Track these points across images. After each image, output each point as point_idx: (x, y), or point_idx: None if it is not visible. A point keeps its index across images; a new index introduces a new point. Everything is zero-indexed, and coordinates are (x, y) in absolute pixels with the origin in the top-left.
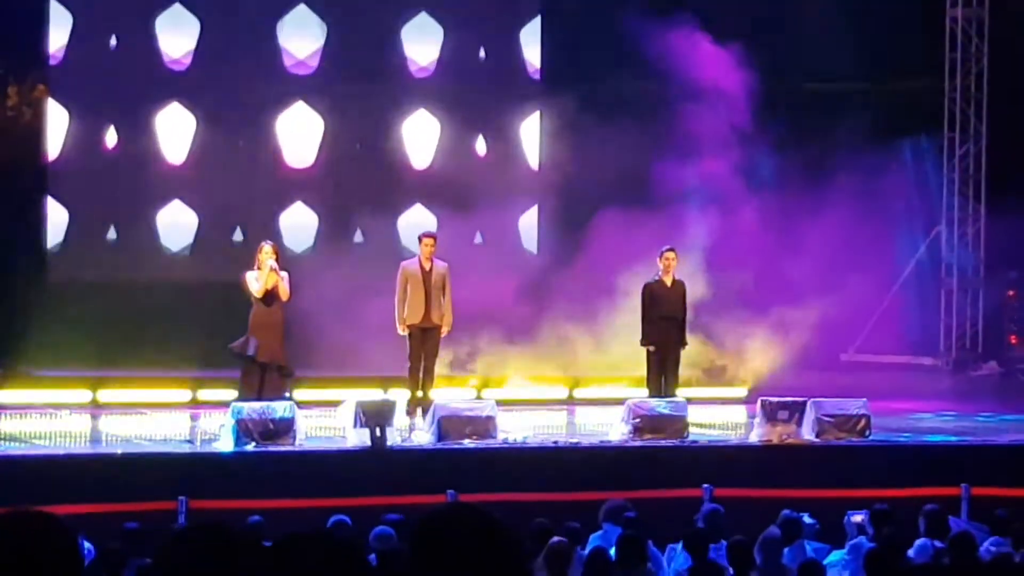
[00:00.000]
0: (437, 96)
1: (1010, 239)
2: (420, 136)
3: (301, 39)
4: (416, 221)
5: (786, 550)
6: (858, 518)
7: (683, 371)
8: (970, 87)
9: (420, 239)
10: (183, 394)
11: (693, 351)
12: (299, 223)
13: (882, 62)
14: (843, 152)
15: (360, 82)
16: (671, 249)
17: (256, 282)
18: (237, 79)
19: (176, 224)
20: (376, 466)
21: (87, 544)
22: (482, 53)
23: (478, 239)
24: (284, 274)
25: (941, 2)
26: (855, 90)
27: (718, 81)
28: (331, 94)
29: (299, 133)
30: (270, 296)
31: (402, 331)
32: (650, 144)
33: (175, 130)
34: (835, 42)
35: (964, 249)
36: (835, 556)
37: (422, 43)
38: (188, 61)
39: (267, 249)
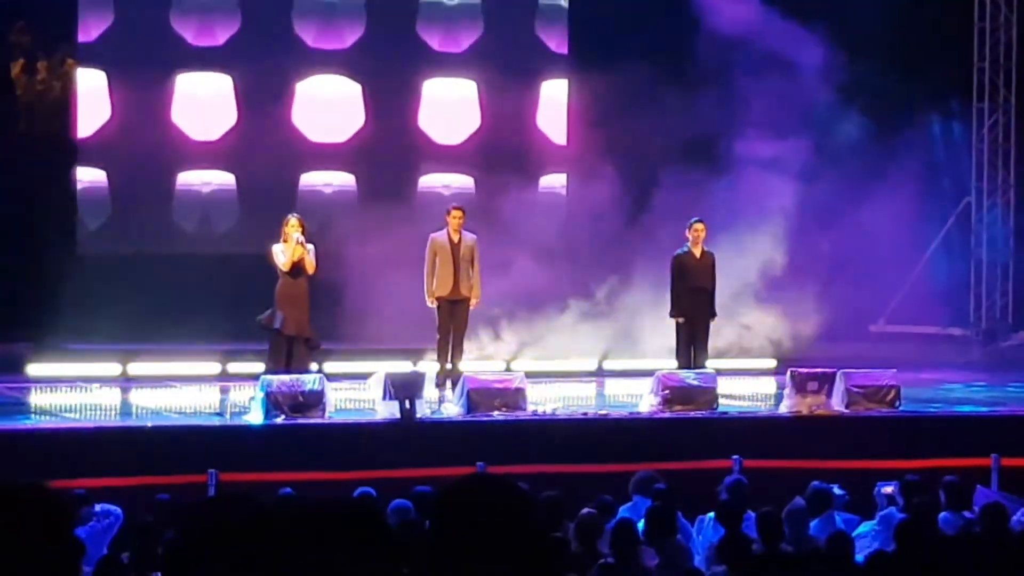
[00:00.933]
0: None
1: None
2: (447, 106)
3: (331, 22)
4: (448, 187)
5: (815, 521)
6: (888, 489)
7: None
8: (999, 58)
9: (448, 211)
10: (213, 367)
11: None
12: (326, 194)
13: (914, 33)
14: (874, 126)
15: (387, 58)
16: (700, 220)
17: (282, 255)
18: (271, 52)
19: (202, 197)
20: (405, 438)
21: (116, 509)
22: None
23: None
24: (310, 247)
25: None
26: (890, 63)
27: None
28: (361, 67)
29: (328, 105)
30: (296, 269)
31: (431, 303)
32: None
33: (207, 103)
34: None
35: (994, 219)
36: (865, 527)
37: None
38: (226, 37)
39: (293, 222)
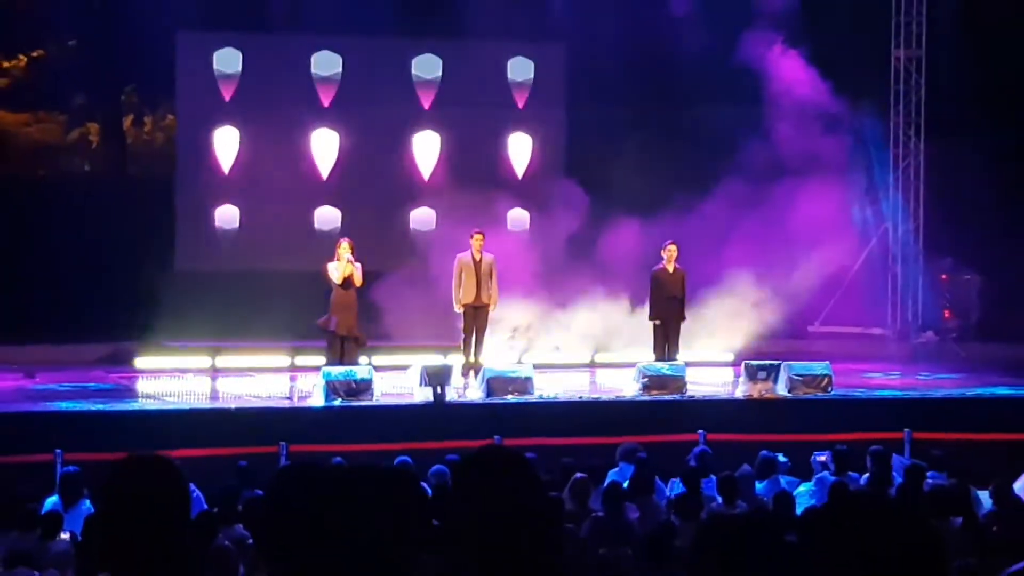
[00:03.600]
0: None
1: (942, 234)
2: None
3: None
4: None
5: (764, 483)
6: (822, 457)
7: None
8: (911, 113)
9: (472, 235)
10: (283, 360)
11: None
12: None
13: (846, 97)
14: (817, 164)
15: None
16: (673, 242)
17: (335, 271)
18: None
19: (275, 222)
20: (437, 417)
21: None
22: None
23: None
24: (358, 264)
25: (887, 44)
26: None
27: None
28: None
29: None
30: (347, 282)
31: (458, 309)
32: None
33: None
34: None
35: (907, 242)
36: (804, 488)
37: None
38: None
39: (345, 245)
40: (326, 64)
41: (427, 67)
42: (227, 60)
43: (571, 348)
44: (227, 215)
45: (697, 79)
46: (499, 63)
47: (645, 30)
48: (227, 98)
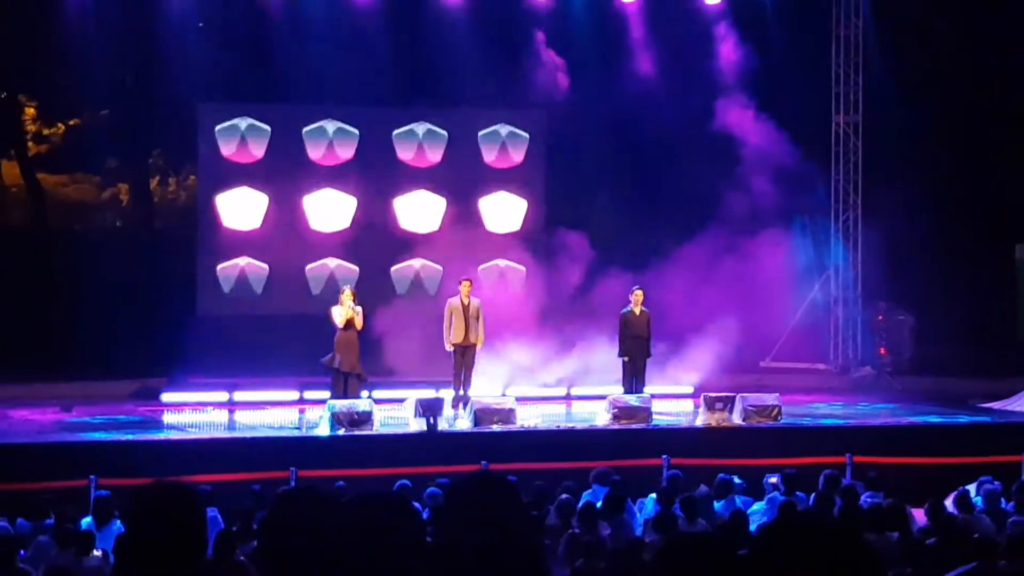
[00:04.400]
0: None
1: (879, 279)
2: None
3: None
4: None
5: (721, 503)
6: (773, 479)
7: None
8: (850, 172)
9: (460, 282)
10: (293, 394)
11: None
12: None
13: (789, 160)
14: (767, 217)
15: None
16: (640, 288)
17: (339, 315)
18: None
19: (285, 272)
20: (430, 445)
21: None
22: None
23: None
24: (359, 309)
25: (828, 111)
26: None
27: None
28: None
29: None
30: (349, 324)
31: (449, 348)
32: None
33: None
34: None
35: (847, 286)
36: (757, 507)
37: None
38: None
39: (347, 292)
40: (330, 130)
41: (422, 132)
42: (242, 128)
43: (552, 382)
44: (242, 266)
45: (666, 141)
46: (488, 127)
47: (618, 99)
48: (242, 161)
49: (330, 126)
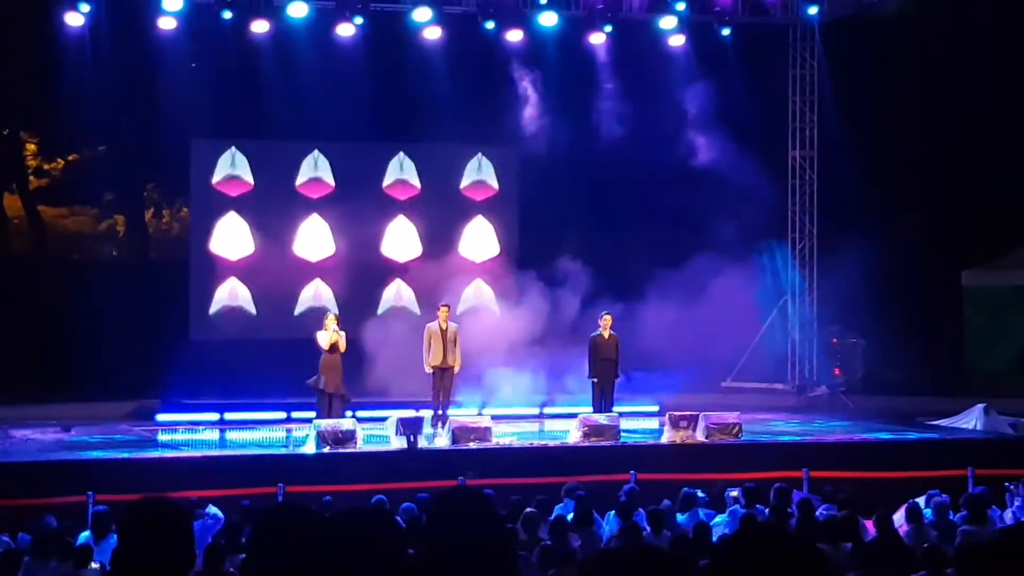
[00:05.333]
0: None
1: (833, 304)
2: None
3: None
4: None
5: (685, 515)
6: (734, 493)
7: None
8: (806, 204)
9: (438, 308)
10: (280, 414)
11: None
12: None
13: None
14: (729, 247)
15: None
16: (608, 313)
17: (323, 339)
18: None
19: (273, 298)
20: (411, 461)
21: (220, 514)
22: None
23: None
24: (342, 333)
25: (785, 145)
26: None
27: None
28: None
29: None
30: (333, 348)
31: (428, 370)
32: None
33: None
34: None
35: (804, 310)
36: (719, 519)
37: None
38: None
39: (331, 316)
40: (314, 164)
41: (402, 166)
42: (231, 162)
43: (524, 401)
44: (232, 292)
45: (634, 175)
46: (465, 160)
47: (587, 134)
48: (232, 194)
49: (314, 159)
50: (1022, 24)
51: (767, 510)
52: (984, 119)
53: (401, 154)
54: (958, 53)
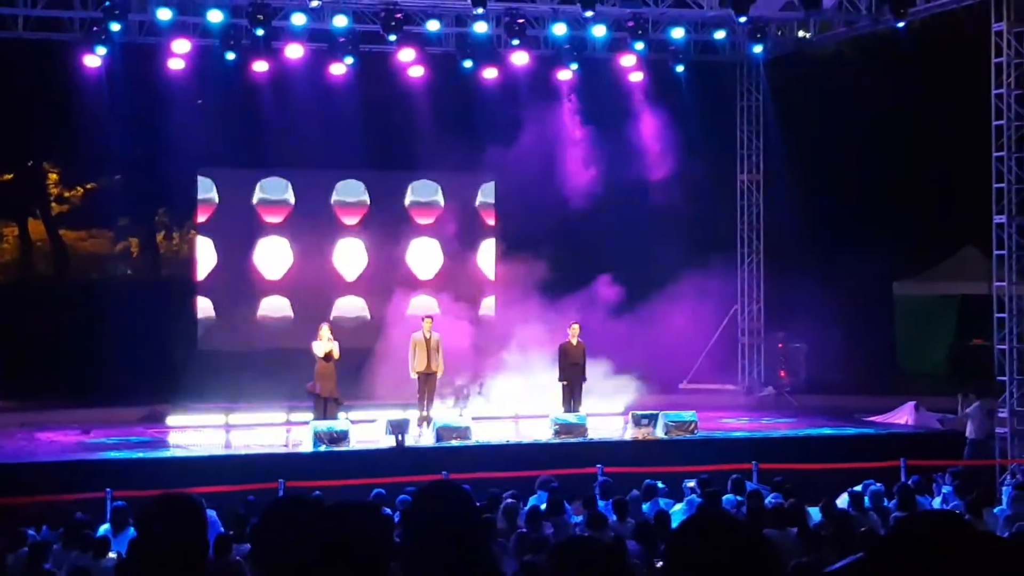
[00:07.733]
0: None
1: (778, 313)
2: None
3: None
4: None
5: (647, 504)
6: (691, 484)
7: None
8: (753, 221)
9: (423, 319)
10: (280, 416)
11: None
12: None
13: (700, 208)
14: (685, 262)
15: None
16: (576, 323)
17: (319, 348)
18: (318, 220)
19: (272, 311)
20: (398, 458)
21: (214, 515)
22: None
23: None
24: (336, 342)
25: (734, 169)
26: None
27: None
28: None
29: (351, 256)
30: (328, 356)
31: (413, 376)
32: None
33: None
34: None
35: (751, 319)
36: (677, 507)
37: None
38: (286, 212)
39: (325, 327)
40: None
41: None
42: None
43: (500, 403)
44: (234, 307)
45: (598, 199)
46: (446, 186)
47: (557, 163)
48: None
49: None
50: (944, 65)
51: (723, 498)
52: (911, 148)
53: (387, 181)
54: (887, 88)
